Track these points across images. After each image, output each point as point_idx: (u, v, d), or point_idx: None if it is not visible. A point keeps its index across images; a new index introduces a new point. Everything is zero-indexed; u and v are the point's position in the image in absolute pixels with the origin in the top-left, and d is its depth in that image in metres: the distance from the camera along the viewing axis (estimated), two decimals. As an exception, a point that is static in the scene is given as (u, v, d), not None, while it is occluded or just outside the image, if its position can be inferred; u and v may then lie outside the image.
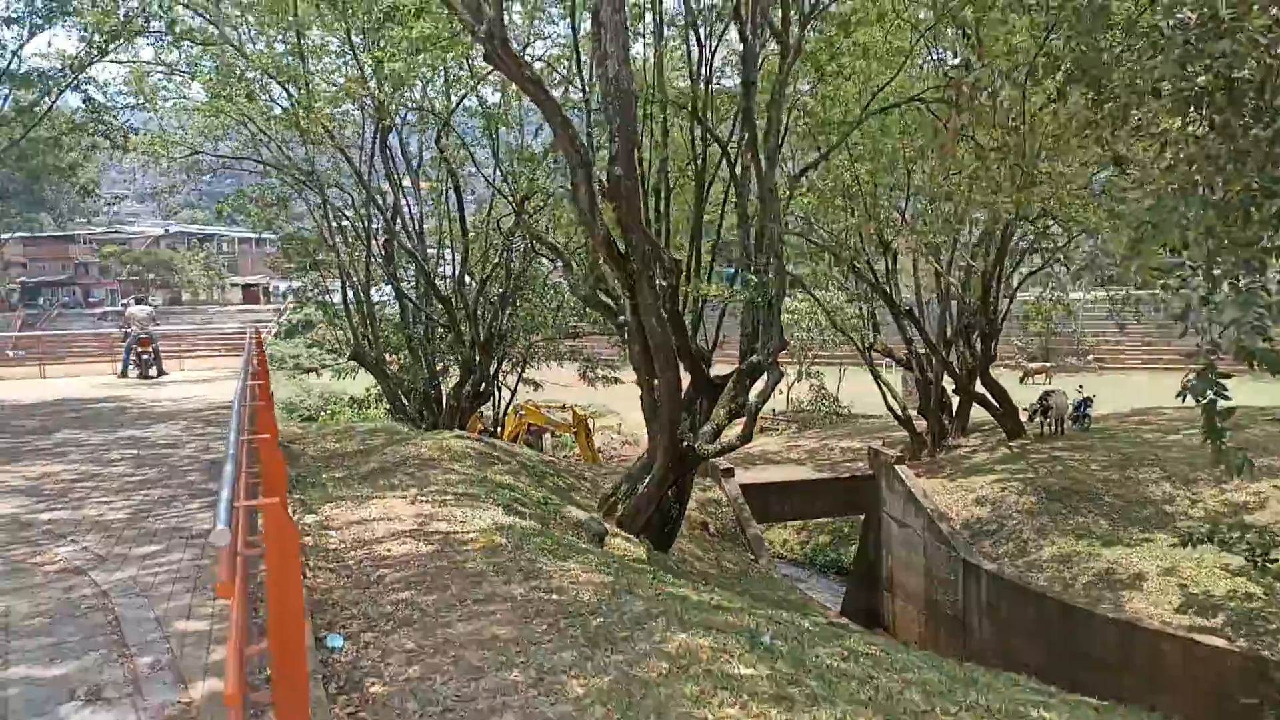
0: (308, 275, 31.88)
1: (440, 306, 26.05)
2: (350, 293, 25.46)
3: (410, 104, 24.41)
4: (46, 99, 16.40)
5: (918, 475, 23.37)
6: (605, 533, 10.11)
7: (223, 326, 73.54)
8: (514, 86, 18.42)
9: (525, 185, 19.01)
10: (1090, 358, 63.66)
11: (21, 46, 15.94)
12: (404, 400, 25.59)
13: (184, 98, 26.11)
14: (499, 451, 15.06)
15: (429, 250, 26.65)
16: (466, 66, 19.50)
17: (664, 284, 10.66)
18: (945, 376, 28.74)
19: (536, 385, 32.84)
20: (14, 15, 15.40)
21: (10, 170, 23.20)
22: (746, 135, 14.15)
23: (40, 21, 15.65)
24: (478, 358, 24.50)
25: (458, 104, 20.24)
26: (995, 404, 27.54)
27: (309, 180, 22.38)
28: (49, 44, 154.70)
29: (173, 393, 17.11)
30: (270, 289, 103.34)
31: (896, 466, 22.97)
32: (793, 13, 12.49)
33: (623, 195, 9.91)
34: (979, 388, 27.62)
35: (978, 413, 30.20)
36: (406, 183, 27.05)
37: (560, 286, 29.11)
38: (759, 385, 14.12)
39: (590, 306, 16.14)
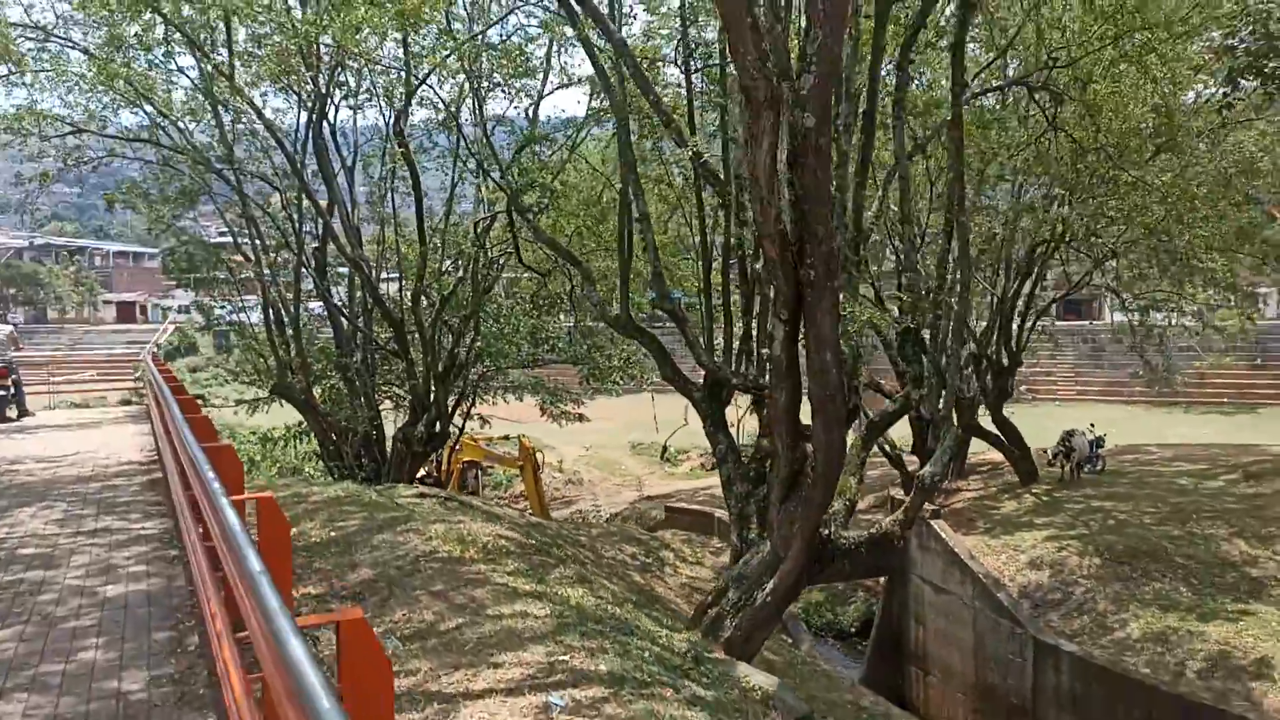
0: (202, 291, 26.90)
1: (384, 329, 21.74)
2: (271, 311, 20.80)
3: (355, 84, 20.11)
4: None
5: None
6: (810, 715, 6.48)
7: (97, 350, 65.76)
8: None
9: (517, 176, 15.01)
10: (1024, 388, 63.22)
11: None
12: (335, 442, 21.02)
13: (62, 69, 20.99)
14: (516, 528, 11.01)
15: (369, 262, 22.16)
16: (444, 25, 15.38)
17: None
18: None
19: (485, 421, 28.49)
20: None
21: None
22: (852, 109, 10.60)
23: None
24: (433, 391, 20.20)
25: (430, 72, 16.07)
26: (1007, 444, 24.83)
27: (226, 165, 17.74)
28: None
29: (41, 445, 12.32)
30: (148, 306, 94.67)
31: (932, 522, 19.79)
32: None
33: (813, 159, 6.30)
34: (989, 426, 24.91)
35: (974, 453, 27.94)
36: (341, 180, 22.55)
37: (517, 310, 25.06)
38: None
39: (628, 334, 12.34)
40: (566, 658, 5.18)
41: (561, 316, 26.52)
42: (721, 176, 10.83)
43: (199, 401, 29.29)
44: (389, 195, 22.32)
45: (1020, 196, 20.23)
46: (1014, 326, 23.86)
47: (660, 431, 42.76)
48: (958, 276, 9.07)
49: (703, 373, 11.74)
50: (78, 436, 13.73)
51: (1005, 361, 24.08)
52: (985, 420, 24.92)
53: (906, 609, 20.86)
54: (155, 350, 63.11)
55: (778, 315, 7.39)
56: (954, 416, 9.12)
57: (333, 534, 9.22)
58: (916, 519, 20.60)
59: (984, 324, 24.94)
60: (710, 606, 8.97)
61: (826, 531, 8.58)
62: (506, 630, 5.77)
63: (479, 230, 18.68)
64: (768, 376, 8.53)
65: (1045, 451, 24.21)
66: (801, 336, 7.16)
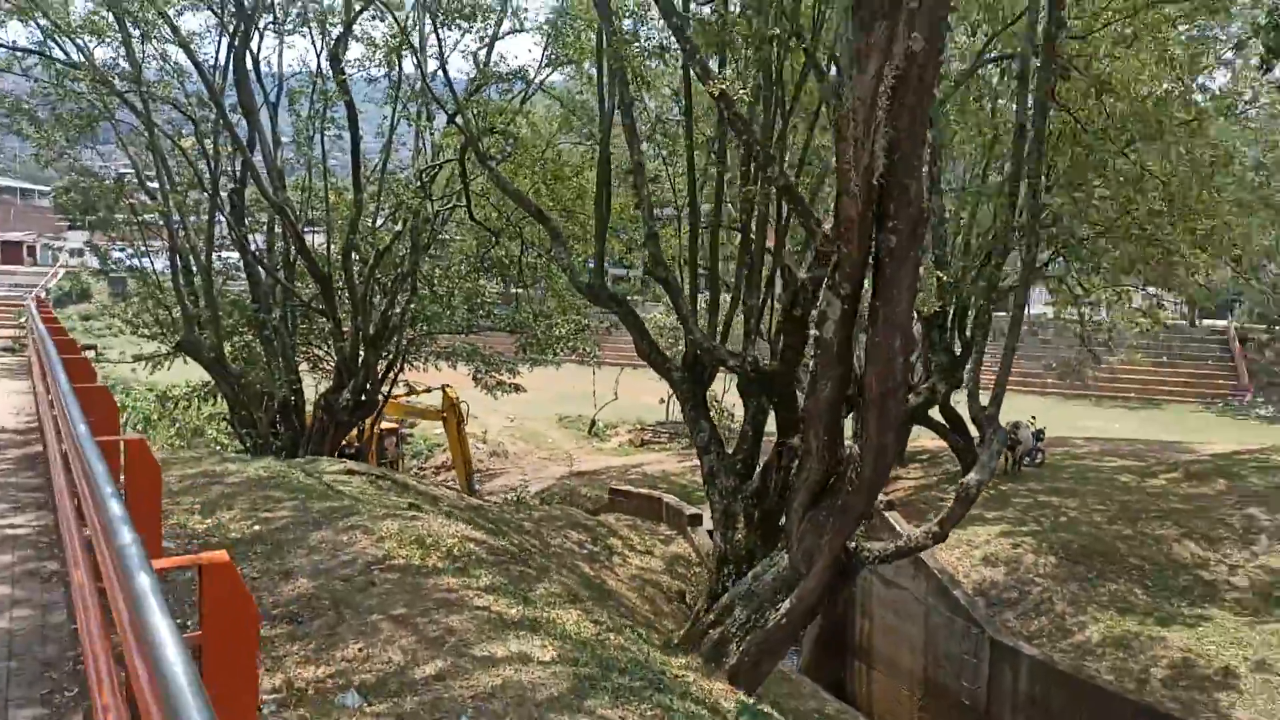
0: (98, 233, 24.39)
1: (308, 285, 19.78)
2: (179, 258, 18.58)
3: (283, 10, 18.02)
4: None
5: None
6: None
7: (-26, 289, 60.39)
8: None
9: (478, 121, 13.21)
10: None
11: None
12: (247, 407, 19.01)
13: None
14: (471, 521, 9.60)
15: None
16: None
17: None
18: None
19: (411, 389, 26.62)
20: None
21: None
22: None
23: None
24: (362, 355, 18.40)
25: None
26: (953, 434, 24.36)
27: (132, 87, 15.49)
28: None
29: (-111, 401, 10.15)
30: (37, 248, 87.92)
31: (887, 513, 19.09)
32: None
33: (914, 93, 5.00)
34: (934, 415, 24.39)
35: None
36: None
37: (453, 272, 23.22)
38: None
39: (599, 303, 10.94)
40: (560, 695, 3.86)
41: (500, 282, 24.86)
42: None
43: (91, 353, 26.52)
44: (318, 137, 20.16)
45: (985, 178, 19.41)
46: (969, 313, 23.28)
47: (593, 405, 41.43)
48: (1024, 251, 8.02)
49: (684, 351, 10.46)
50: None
51: (958, 350, 23.50)
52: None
53: (852, 601, 20.21)
54: (44, 294, 57.93)
55: (835, 289, 6.08)
56: (998, 413, 8.16)
57: (257, 528, 7.64)
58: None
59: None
60: (712, 626, 7.77)
61: (852, 544, 7.47)
62: (509, 685, 4.39)
63: (424, 179, 16.82)
64: (811, 361, 7.27)
65: (992, 443, 23.94)
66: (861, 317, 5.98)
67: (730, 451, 10.72)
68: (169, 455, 11.16)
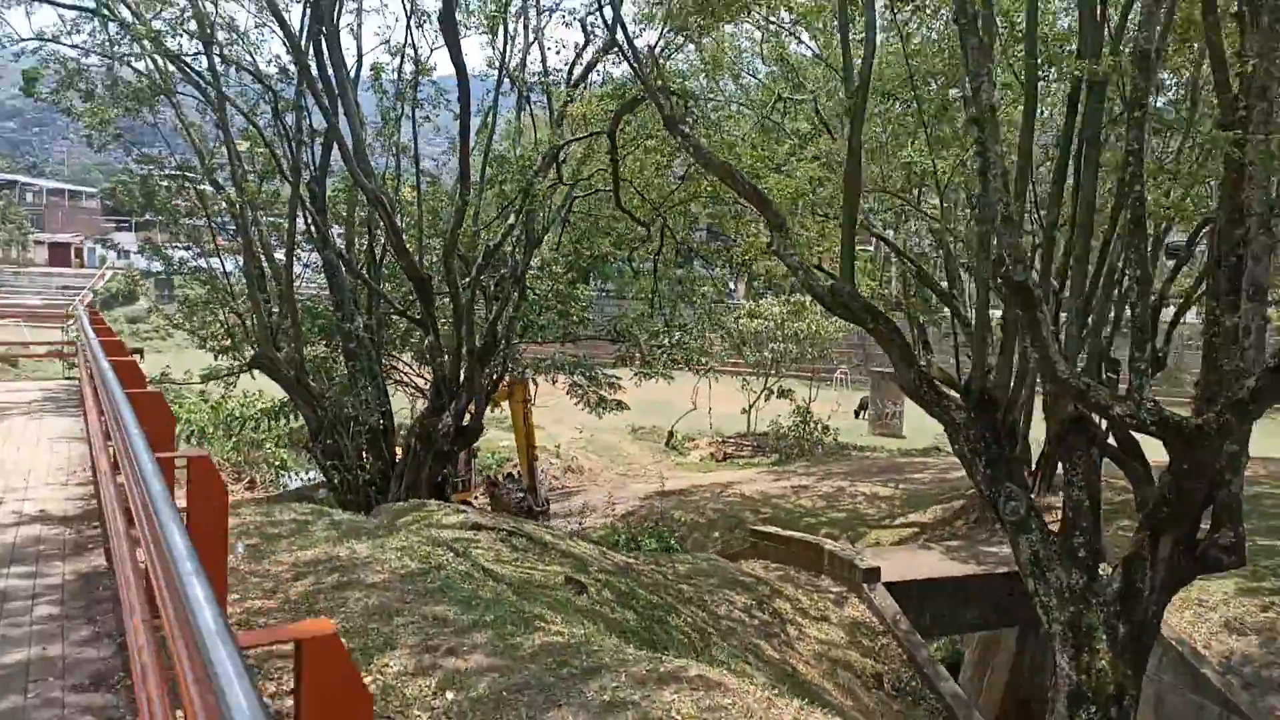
0: (157, 230, 21.83)
1: (398, 288, 16.95)
2: (253, 260, 15.79)
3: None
4: None
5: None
6: None
7: (25, 296, 58.97)
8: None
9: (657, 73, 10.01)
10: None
11: None
12: (333, 435, 16.12)
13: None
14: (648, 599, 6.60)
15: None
16: None
17: None
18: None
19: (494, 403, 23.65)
20: None
21: None
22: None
23: None
24: (464, 373, 15.48)
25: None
26: (1130, 461, 20.79)
27: (200, 49, 12.66)
28: None
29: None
30: (84, 250, 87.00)
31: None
32: None
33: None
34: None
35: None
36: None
37: (547, 273, 20.20)
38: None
39: (845, 314, 7.83)
40: None
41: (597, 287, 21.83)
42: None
43: (138, 357, 23.66)
44: (405, 118, 17.29)
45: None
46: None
47: (680, 414, 38.44)
48: None
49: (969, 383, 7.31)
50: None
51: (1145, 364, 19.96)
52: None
53: (1045, 671, 16.90)
54: (92, 297, 55.57)
55: None
56: None
57: (452, 697, 4.64)
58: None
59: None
60: None
61: None
62: None
63: (557, 158, 13.73)
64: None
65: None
66: None
67: (1058, 531, 7.57)
68: (263, 518, 8.21)
